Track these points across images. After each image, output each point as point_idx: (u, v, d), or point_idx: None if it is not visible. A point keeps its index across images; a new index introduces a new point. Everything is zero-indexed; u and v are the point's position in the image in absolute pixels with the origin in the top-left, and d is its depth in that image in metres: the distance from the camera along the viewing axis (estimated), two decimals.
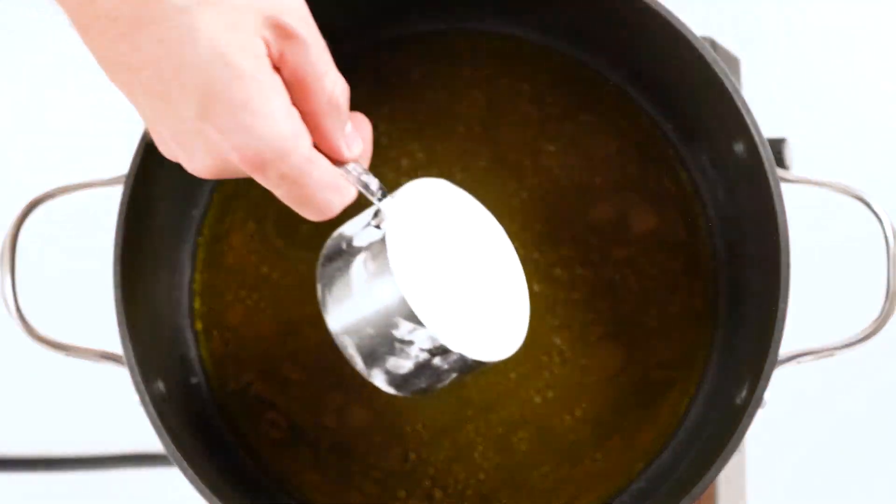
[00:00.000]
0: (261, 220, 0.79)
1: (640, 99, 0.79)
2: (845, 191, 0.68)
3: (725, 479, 0.82)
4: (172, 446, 0.67)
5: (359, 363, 0.61)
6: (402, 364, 0.60)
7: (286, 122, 0.53)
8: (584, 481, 0.76)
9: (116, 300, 0.69)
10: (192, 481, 0.67)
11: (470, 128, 0.79)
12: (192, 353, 0.78)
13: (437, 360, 0.60)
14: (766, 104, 0.76)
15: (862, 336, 0.67)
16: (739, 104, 0.68)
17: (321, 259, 0.61)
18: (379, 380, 0.62)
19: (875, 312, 0.67)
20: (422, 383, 0.61)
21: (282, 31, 0.53)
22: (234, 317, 0.78)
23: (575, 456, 0.77)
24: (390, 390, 0.62)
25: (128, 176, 0.70)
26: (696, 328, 0.77)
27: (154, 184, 0.72)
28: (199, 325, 0.79)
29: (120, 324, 0.69)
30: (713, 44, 0.79)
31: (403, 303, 0.58)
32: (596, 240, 0.78)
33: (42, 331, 0.69)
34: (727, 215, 0.77)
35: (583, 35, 0.79)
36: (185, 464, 0.67)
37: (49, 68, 0.94)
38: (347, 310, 0.60)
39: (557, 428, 0.77)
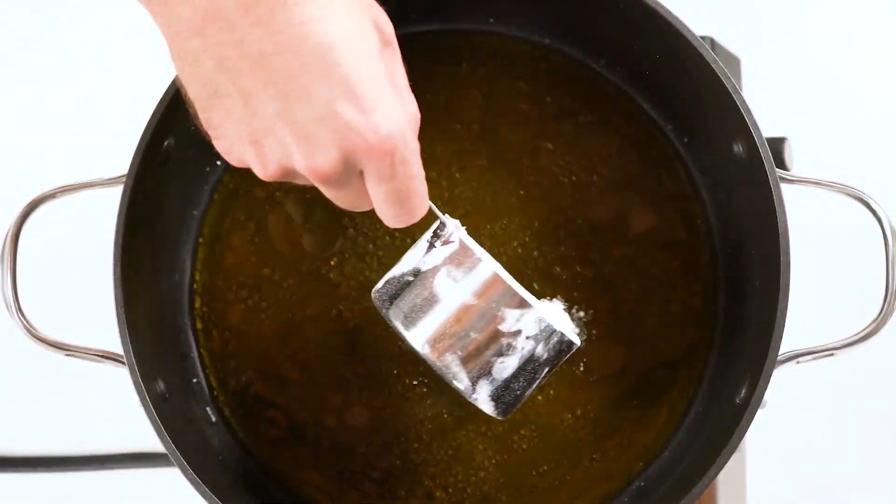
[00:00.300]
0: (261, 220, 0.79)
1: (640, 99, 0.79)
2: (845, 191, 0.68)
3: (725, 479, 0.82)
4: (172, 446, 0.67)
5: (464, 380, 0.62)
6: (508, 364, 0.62)
7: (404, 108, 0.53)
8: (584, 481, 0.76)
9: (116, 300, 0.69)
10: (192, 481, 0.67)
11: (468, 127, 0.79)
12: (193, 353, 0.78)
13: (539, 350, 0.62)
14: (766, 104, 0.76)
15: (862, 336, 0.67)
16: (739, 104, 0.68)
17: (384, 302, 0.62)
18: (483, 393, 0.63)
19: (875, 312, 0.67)
20: (518, 388, 0.63)
21: (382, 36, 0.54)
22: (234, 317, 0.79)
23: (575, 455, 0.77)
24: (491, 407, 0.63)
25: (128, 176, 0.70)
26: (696, 328, 0.77)
27: (154, 184, 0.72)
28: (199, 325, 0.79)
29: (120, 324, 0.69)
30: (713, 44, 0.79)
31: (509, 290, 0.61)
32: (595, 239, 0.78)
33: (42, 331, 0.69)
34: (727, 215, 0.77)
35: (582, 35, 0.79)
36: (185, 464, 0.67)
37: (49, 68, 0.94)
38: (445, 327, 0.61)
39: (558, 427, 0.77)
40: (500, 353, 0.62)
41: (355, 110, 0.51)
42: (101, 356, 0.70)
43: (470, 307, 0.61)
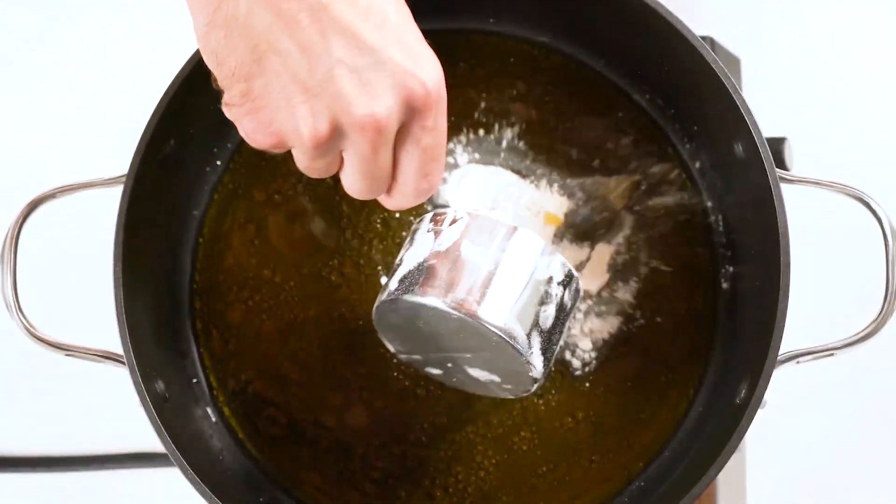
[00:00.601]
0: (261, 221, 0.79)
1: (640, 99, 0.79)
2: (845, 191, 0.68)
3: (725, 479, 0.82)
4: (172, 446, 0.67)
5: (521, 335, 0.62)
6: (549, 312, 0.63)
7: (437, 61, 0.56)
8: (584, 481, 0.76)
9: (116, 300, 0.69)
10: (192, 481, 0.67)
11: (467, 127, 0.80)
12: (192, 352, 0.78)
13: (566, 297, 0.63)
14: (766, 104, 0.76)
15: (862, 336, 0.67)
16: (739, 104, 0.68)
17: (411, 292, 0.62)
18: (536, 346, 0.63)
19: (875, 312, 0.67)
20: (555, 340, 0.64)
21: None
22: (234, 317, 0.78)
23: (575, 456, 0.77)
24: (540, 362, 0.63)
25: (128, 176, 0.70)
26: (696, 328, 0.77)
27: (154, 184, 0.72)
28: (199, 325, 0.79)
29: (120, 324, 0.69)
30: (713, 44, 0.79)
31: (536, 239, 0.63)
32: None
33: (42, 331, 0.69)
34: (727, 215, 0.77)
35: (583, 35, 0.79)
36: (185, 464, 0.67)
37: (49, 68, 0.94)
38: (502, 291, 0.62)
39: (558, 430, 0.77)
40: (542, 302, 0.63)
41: (409, 59, 0.53)
42: (101, 356, 0.69)
43: (508, 263, 0.62)
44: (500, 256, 0.62)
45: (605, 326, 0.77)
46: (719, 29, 0.79)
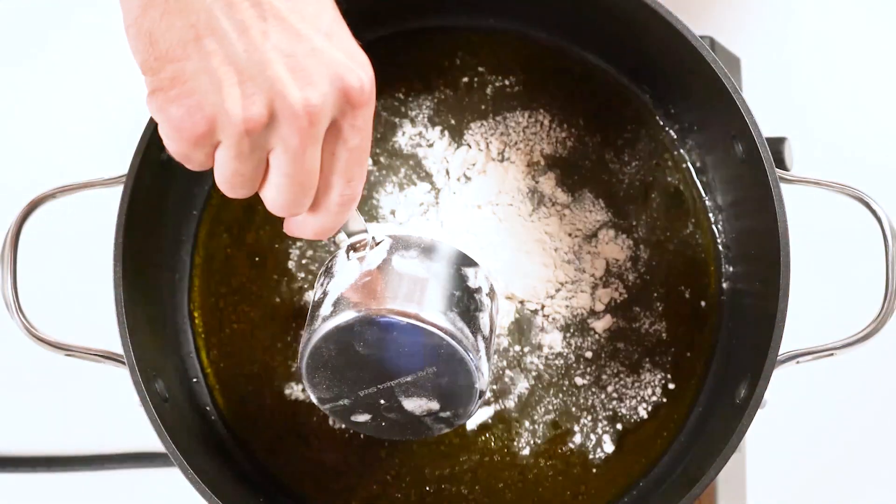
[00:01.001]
0: (260, 221, 0.79)
1: (640, 98, 0.79)
2: (845, 191, 0.68)
3: (725, 479, 0.82)
4: (172, 446, 0.67)
5: (469, 336, 0.61)
6: (485, 321, 0.63)
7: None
8: (584, 481, 0.76)
9: (116, 300, 0.69)
10: (192, 481, 0.67)
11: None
12: (192, 352, 0.78)
13: (493, 308, 0.63)
14: (766, 104, 0.76)
15: (862, 336, 0.67)
16: (739, 104, 0.68)
17: (352, 308, 0.61)
18: (482, 349, 0.62)
19: (875, 312, 0.67)
20: (492, 349, 0.63)
21: None
22: (234, 316, 0.78)
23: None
24: (486, 368, 0.62)
25: (128, 176, 0.70)
26: (697, 328, 0.77)
27: (154, 184, 0.72)
28: (198, 325, 0.79)
29: (120, 324, 0.69)
30: (713, 44, 0.79)
31: (459, 252, 0.63)
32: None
33: (42, 331, 0.69)
34: (727, 215, 0.77)
35: (582, 34, 0.79)
36: (185, 464, 0.67)
37: (49, 69, 0.94)
38: (437, 293, 0.61)
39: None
40: (478, 309, 0.62)
41: (345, 53, 0.53)
42: (101, 356, 0.69)
43: (442, 272, 0.61)
44: (432, 266, 0.61)
45: (602, 325, 0.77)
46: (719, 29, 0.79)
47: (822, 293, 0.85)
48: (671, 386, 0.77)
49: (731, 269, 0.77)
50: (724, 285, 0.77)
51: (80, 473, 0.90)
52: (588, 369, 0.77)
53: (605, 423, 0.76)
